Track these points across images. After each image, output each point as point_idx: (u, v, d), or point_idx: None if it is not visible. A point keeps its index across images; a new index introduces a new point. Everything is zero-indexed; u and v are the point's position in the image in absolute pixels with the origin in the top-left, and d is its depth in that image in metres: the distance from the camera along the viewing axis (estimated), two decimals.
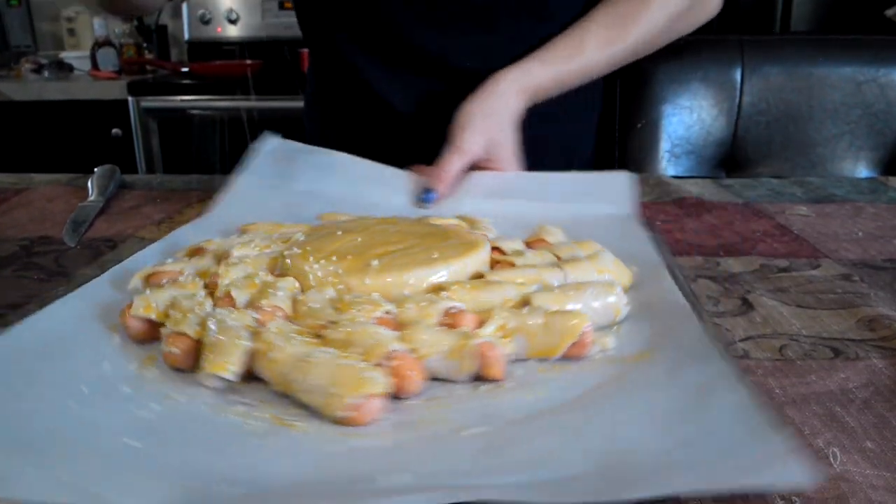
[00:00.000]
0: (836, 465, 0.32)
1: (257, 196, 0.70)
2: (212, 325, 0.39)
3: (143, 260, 0.53)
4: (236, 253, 0.50)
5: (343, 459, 0.32)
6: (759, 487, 0.29)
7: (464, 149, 0.72)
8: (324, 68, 0.99)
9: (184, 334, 0.39)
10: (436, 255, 0.47)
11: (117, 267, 0.52)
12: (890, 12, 1.76)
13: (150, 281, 0.48)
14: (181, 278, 0.47)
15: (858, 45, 1.05)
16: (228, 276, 0.46)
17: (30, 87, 2.25)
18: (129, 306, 0.42)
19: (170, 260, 0.52)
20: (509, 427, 0.34)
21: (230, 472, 0.31)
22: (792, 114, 1.04)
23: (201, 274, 0.48)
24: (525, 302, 0.44)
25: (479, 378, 0.39)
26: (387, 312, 0.41)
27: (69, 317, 0.44)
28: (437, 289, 0.45)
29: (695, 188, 0.80)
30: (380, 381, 0.35)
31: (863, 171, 1.04)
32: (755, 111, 1.04)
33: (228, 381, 0.37)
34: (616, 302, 0.44)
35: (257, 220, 0.61)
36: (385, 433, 0.34)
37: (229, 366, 0.37)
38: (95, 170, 0.82)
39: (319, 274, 0.46)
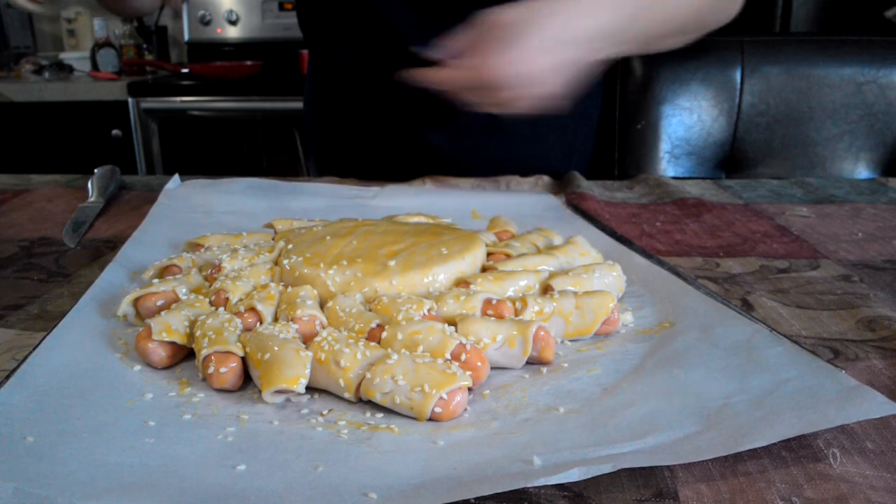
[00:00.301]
0: (835, 466, 0.32)
1: (181, 218, 0.67)
2: (262, 341, 0.38)
3: (110, 282, 0.51)
4: (228, 266, 0.49)
5: (469, 450, 0.33)
6: (853, 418, 0.33)
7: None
8: (323, 69, 0.99)
9: (230, 353, 0.38)
10: (445, 251, 0.49)
11: (92, 290, 0.48)
12: (890, 13, 1.76)
13: (140, 304, 0.45)
14: (184, 298, 0.45)
15: (858, 46, 1.05)
16: (238, 291, 0.45)
17: (30, 87, 2.25)
18: (147, 333, 0.40)
19: (155, 280, 0.48)
20: (597, 402, 0.37)
21: (362, 481, 0.30)
22: (792, 114, 1.04)
23: (195, 291, 0.47)
24: (545, 288, 0.47)
25: (531, 362, 0.41)
26: (429, 309, 0.42)
27: (75, 352, 0.41)
28: (462, 282, 0.47)
29: (695, 189, 0.80)
30: (464, 375, 0.36)
31: (863, 171, 1.04)
32: (755, 112, 1.04)
33: (289, 394, 0.37)
34: (618, 277, 0.49)
35: (186, 238, 0.58)
36: (480, 422, 0.35)
37: (301, 378, 0.36)
38: (95, 171, 0.82)
39: (338, 280, 0.46)
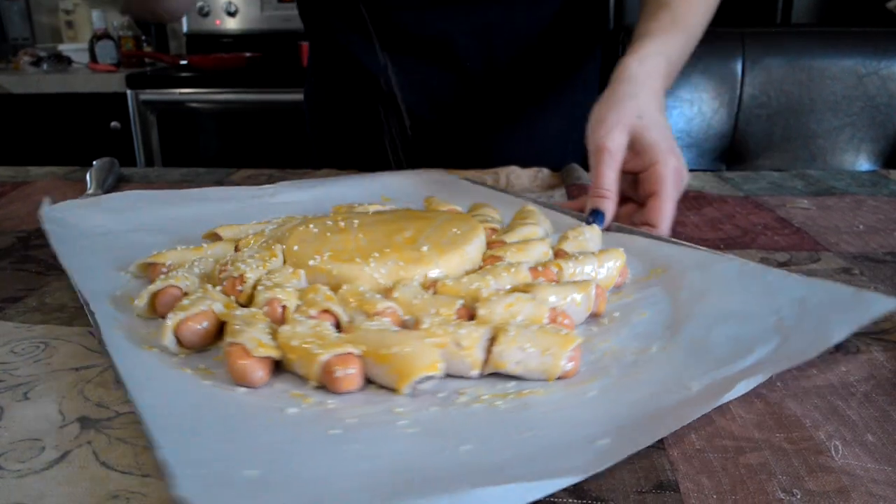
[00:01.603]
0: (837, 459, 0.32)
1: (89, 245, 0.57)
2: (377, 337, 0.38)
3: (98, 284, 0.48)
4: (251, 275, 0.46)
5: (622, 393, 0.36)
6: (880, 310, 0.40)
7: (607, 147, 0.59)
8: (324, 59, 0.98)
9: (350, 354, 0.37)
10: (457, 231, 0.51)
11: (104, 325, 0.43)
12: (891, 4, 1.76)
13: (160, 301, 0.44)
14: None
15: (860, 38, 1.04)
16: (292, 297, 0.43)
17: (28, 79, 2.24)
18: (242, 352, 0.37)
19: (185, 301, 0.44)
20: (672, 338, 0.41)
21: (576, 433, 0.32)
22: (793, 106, 1.03)
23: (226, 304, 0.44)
24: (557, 253, 0.51)
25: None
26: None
27: (165, 394, 0.36)
28: (492, 257, 0.50)
29: (695, 181, 0.80)
30: (575, 334, 0.39)
31: (864, 163, 1.04)
32: (756, 104, 1.04)
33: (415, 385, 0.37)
34: (599, 235, 0.55)
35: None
36: (599, 372, 0.38)
37: (439, 363, 0.37)
38: (94, 163, 0.82)
39: (384, 272, 0.45)
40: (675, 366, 0.38)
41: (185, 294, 0.45)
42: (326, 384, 0.37)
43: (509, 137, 0.94)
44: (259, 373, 0.37)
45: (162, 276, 0.46)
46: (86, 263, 0.51)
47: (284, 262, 0.50)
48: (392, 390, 0.37)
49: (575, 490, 0.30)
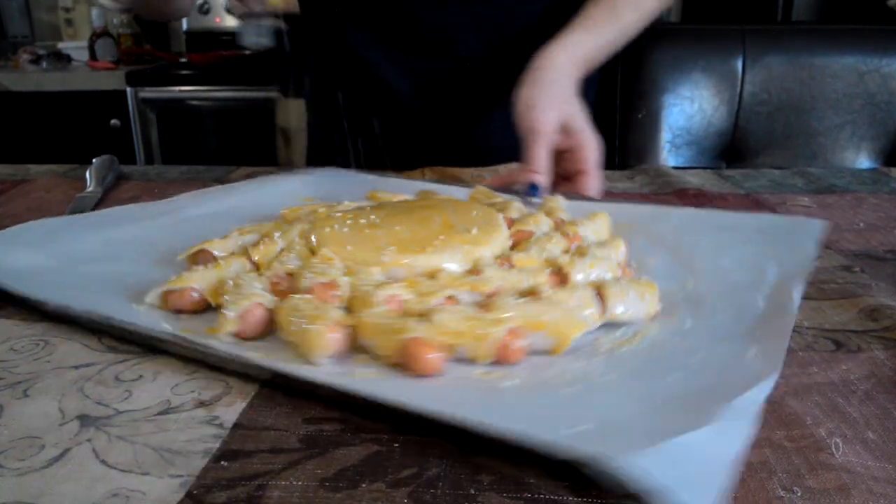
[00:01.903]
0: (837, 456, 0.32)
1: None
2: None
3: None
4: (344, 279, 0.45)
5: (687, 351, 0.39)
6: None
7: (541, 130, 0.67)
8: (326, 55, 0.98)
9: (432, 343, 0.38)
10: (476, 213, 0.54)
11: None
12: (892, 2, 1.75)
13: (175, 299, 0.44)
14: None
15: (861, 35, 1.04)
16: (407, 292, 0.43)
17: (28, 77, 2.24)
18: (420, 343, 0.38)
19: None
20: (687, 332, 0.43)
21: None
22: (793, 104, 1.03)
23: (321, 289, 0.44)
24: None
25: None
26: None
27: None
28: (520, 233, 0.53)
29: (695, 179, 0.80)
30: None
31: (864, 161, 1.04)
32: (756, 101, 1.04)
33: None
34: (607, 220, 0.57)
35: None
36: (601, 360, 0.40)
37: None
38: (93, 160, 0.82)
39: (459, 257, 0.47)
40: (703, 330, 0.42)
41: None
42: (410, 365, 0.37)
43: (509, 135, 0.94)
44: (335, 341, 0.39)
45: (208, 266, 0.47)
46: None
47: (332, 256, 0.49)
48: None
49: (574, 488, 0.30)
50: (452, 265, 0.47)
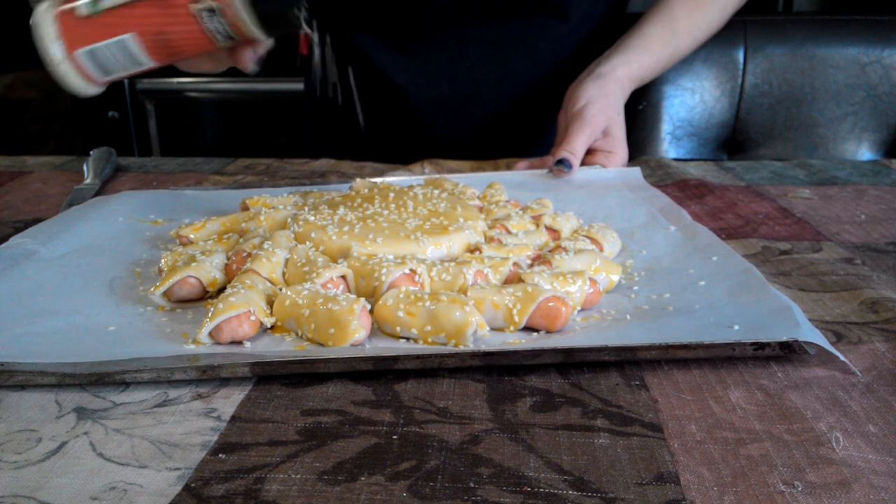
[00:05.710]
0: (838, 450, 0.32)
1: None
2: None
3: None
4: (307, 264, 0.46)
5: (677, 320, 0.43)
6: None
7: (591, 123, 0.74)
8: (328, 51, 0.98)
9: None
10: (460, 209, 0.55)
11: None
12: None
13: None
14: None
15: (863, 26, 1.03)
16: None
17: None
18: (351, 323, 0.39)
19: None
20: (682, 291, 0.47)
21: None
22: (795, 95, 1.02)
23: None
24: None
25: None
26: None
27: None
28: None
29: (696, 171, 0.80)
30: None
31: (866, 153, 1.04)
32: (758, 92, 1.03)
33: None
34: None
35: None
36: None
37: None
38: (91, 152, 0.82)
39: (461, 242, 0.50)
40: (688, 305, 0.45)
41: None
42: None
43: (508, 128, 0.94)
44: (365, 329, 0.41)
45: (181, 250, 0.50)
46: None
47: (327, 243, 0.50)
48: None
49: (575, 482, 0.30)
50: (452, 253, 0.50)
